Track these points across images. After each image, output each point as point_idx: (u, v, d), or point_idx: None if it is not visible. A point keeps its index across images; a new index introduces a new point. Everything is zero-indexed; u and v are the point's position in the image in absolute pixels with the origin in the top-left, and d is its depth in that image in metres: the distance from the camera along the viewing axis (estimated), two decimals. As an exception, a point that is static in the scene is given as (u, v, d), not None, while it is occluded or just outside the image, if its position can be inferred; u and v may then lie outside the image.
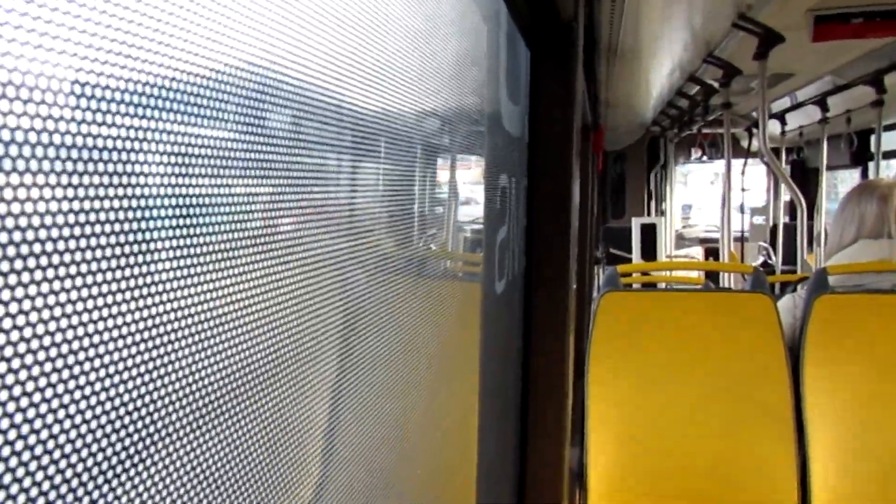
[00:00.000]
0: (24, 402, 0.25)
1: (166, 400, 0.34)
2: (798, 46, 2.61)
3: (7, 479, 0.25)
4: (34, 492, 0.26)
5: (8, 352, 0.25)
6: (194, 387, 0.36)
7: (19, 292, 0.25)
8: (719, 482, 2.01)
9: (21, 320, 0.25)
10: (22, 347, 0.25)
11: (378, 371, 0.66)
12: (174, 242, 0.34)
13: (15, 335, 0.25)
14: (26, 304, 0.25)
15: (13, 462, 0.25)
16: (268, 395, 0.44)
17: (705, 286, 3.04)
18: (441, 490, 1.00)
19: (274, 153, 0.45)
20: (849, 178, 5.83)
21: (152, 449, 0.33)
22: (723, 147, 3.62)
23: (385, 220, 0.69)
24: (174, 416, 0.35)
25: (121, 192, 0.30)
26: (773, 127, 5.11)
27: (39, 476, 0.26)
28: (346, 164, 0.59)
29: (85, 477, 0.29)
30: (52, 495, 0.27)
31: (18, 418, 0.25)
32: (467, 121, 1.03)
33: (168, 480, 0.34)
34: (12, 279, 0.25)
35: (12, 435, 0.25)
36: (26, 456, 0.26)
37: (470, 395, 1.12)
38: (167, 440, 0.34)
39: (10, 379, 0.25)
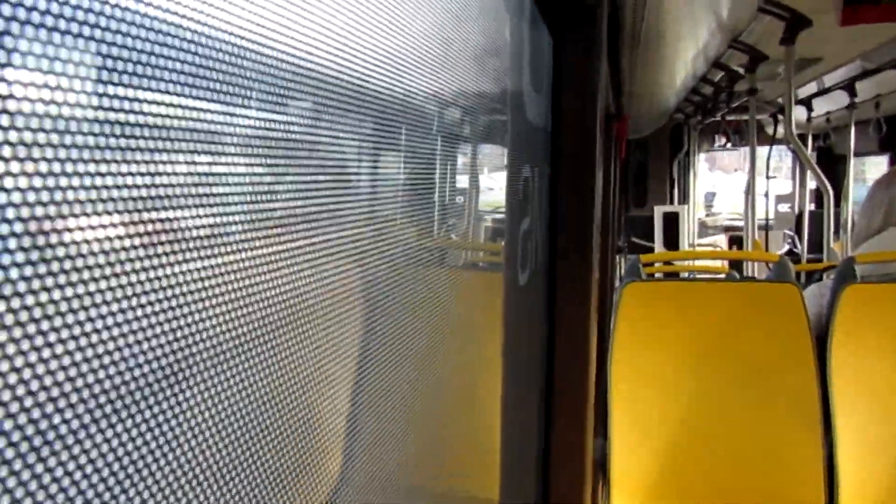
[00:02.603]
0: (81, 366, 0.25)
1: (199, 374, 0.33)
2: (826, 30, 2.56)
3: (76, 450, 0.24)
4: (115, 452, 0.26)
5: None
6: (218, 357, 0.36)
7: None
8: (744, 473, 1.99)
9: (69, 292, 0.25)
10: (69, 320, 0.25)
11: (402, 360, 0.66)
12: (198, 222, 0.34)
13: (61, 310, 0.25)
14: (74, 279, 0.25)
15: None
16: (287, 385, 0.44)
17: (729, 276, 3.01)
18: (466, 478, 1.00)
19: (295, 140, 0.44)
20: (877, 165, 5.73)
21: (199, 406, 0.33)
22: (747, 134, 3.57)
23: (408, 208, 0.68)
24: (210, 386, 0.34)
25: (142, 168, 0.30)
26: (800, 113, 5.02)
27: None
28: (368, 152, 0.58)
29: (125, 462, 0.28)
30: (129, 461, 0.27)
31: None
32: (489, 109, 1.02)
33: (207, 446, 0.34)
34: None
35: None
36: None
37: (493, 385, 1.11)
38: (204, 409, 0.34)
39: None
